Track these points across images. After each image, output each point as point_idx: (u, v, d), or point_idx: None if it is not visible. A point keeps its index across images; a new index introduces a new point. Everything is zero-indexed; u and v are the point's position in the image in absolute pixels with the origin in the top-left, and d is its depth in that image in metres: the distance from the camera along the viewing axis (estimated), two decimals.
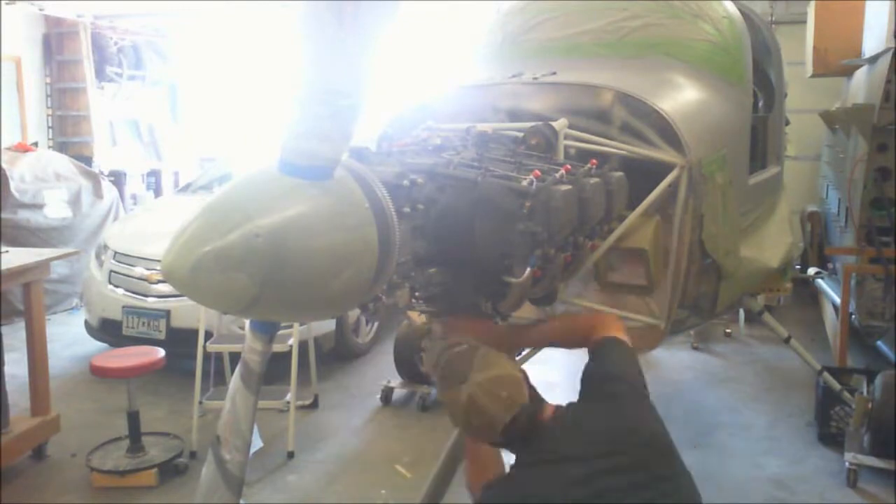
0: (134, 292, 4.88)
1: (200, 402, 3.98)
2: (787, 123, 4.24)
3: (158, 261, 1.57)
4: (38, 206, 6.33)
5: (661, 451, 1.71)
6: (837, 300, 4.86)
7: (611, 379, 1.82)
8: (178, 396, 4.50)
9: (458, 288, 1.93)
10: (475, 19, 5.31)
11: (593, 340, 1.94)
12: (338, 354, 5.26)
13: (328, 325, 5.01)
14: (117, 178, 7.93)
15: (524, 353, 2.50)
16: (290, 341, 3.92)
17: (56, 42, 8.54)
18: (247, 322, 1.82)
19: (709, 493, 3.45)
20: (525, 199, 1.80)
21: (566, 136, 2.35)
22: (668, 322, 2.56)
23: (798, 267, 5.22)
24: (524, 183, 1.82)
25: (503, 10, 3.44)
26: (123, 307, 4.84)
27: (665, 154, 2.46)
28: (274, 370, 3.17)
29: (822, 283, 5.66)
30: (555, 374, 4.61)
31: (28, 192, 6.28)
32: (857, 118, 4.81)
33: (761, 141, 3.85)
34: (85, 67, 8.52)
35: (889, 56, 4.46)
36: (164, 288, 4.67)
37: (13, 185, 6.17)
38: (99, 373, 3.64)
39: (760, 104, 4.00)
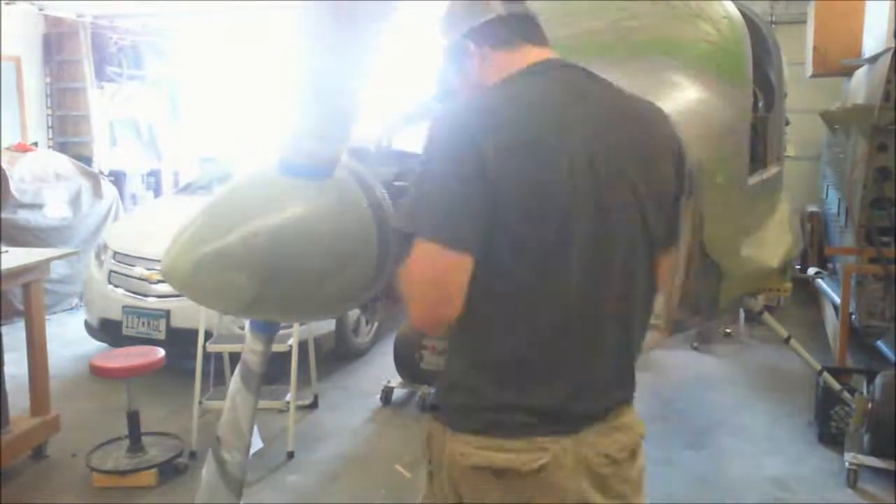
0: (134, 292, 4.88)
1: (200, 402, 3.98)
2: (788, 123, 4.23)
3: (158, 261, 1.57)
4: (38, 206, 6.32)
5: None
6: (837, 300, 4.85)
7: None
8: (178, 396, 4.49)
9: None
10: None
11: None
12: (338, 354, 5.26)
13: (328, 325, 5.00)
14: (117, 178, 7.93)
15: None
16: (290, 341, 3.92)
17: (56, 42, 8.52)
18: (247, 322, 1.82)
19: (709, 493, 3.49)
20: None
21: None
22: (668, 322, 2.56)
23: (798, 267, 5.21)
24: None
25: None
26: (123, 307, 4.84)
27: None
28: (274, 370, 3.17)
29: (822, 283, 5.65)
30: None
31: (28, 192, 6.27)
32: (857, 118, 4.81)
33: (761, 141, 3.84)
34: (85, 67, 8.50)
35: (889, 56, 4.46)
36: (164, 288, 4.66)
37: (13, 185, 6.16)
38: (99, 373, 3.64)
39: (760, 104, 3.99)
